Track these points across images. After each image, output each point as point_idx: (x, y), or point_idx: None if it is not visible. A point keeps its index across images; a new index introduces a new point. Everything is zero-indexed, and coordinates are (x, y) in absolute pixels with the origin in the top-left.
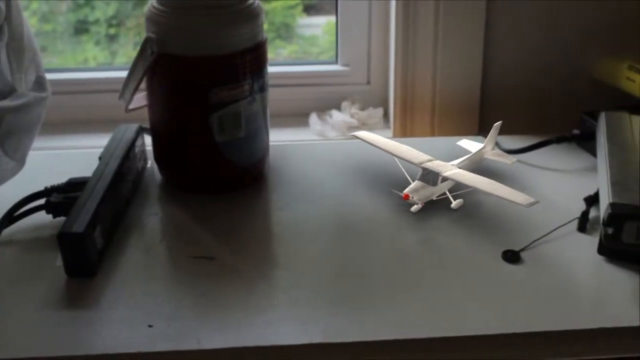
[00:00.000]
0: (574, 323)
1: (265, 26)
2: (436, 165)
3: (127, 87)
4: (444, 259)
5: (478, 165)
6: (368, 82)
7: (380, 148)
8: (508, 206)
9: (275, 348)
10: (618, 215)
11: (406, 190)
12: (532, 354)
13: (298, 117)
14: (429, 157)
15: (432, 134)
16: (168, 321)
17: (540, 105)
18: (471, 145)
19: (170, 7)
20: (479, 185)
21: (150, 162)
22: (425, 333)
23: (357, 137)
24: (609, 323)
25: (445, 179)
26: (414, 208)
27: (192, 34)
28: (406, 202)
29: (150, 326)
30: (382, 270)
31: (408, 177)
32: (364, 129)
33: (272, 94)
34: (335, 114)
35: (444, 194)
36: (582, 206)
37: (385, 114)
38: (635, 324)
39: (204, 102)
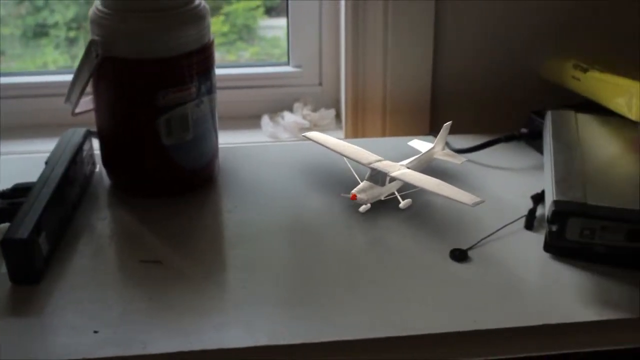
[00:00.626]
0: (521, 320)
1: (226, 28)
2: (384, 165)
3: (73, 90)
4: (393, 258)
5: (428, 165)
6: (320, 84)
7: (330, 148)
8: (456, 206)
9: (221, 351)
10: (562, 213)
11: (354, 191)
12: (479, 351)
13: (250, 119)
14: (378, 158)
15: (384, 135)
16: (114, 327)
17: (490, 104)
18: (421, 145)
19: (114, 10)
20: (426, 185)
21: (99, 167)
22: (371, 334)
23: (307, 138)
24: (555, 320)
25: (393, 179)
26: (362, 208)
27: (136, 37)
28: (355, 202)
29: (95, 332)
30: (331, 272)
31: (357, 177)
32: (316, 130)
33: (224, 96)
34: (287, 115)
35: (393, 194)
36: (530, 204)
37: (338, 115)
38: (580, 319)
39: (150, 105)
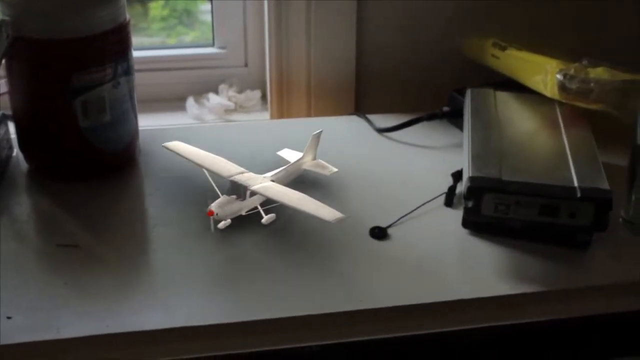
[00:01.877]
0: (437, 296)
1: (166, 12)
2: (246, 178)
3: None
4: (313, 236)
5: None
6: (245, 65)
7: (189, 160)
8: (378, 184)
9: (137, 334)
10: (477, 189)
11: (211, 206)
12: (397, 327)
13: (175, 102)
14: (240, 170)
15: (309, 115)
16: (27, 312)
17: (414, 83)
18: (291, 155)
19: None
20: (286, 200)
21: (16, 151)
22: (292, 312)
23: (168, 149)
24: (471, 294)
25: (254, 193)
26: (221, 225)
27: (48, 16)
28: (214, 218)
29: (8, 318)
30: (251, 252)
31: (217, 190)
32: (242, 112)
33: (149, 78)
34: (212, 97)
35: (255, 208)
36: (450, 182)
37: (264, 96)
38: (495, 294)
39: (65, 87)
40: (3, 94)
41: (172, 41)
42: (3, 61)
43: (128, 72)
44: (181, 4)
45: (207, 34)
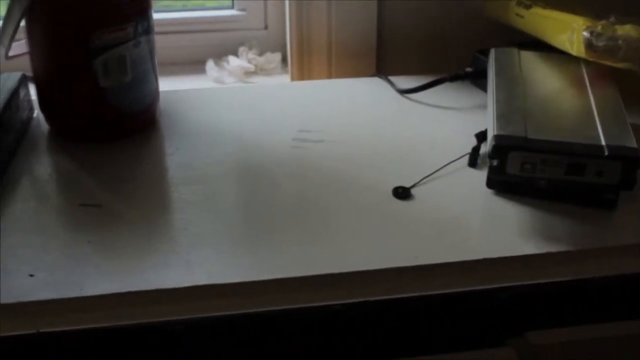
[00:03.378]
0: (462, 255)
1: None
2: None
3: (5, 32)
4: (337, 197)
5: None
6: (265, 27)
7: None
8: (400, 145)
9: (159, 292)
10: (502, 147)
11: None
12: (421, 286)
13: (195, 65)
14: None
15: (330, 77)
16: (50, 270)
17: (435, 45)
18: None
19: None
20: None
21: (37, 112)
22: (313, 271)
23: None
24: (496, 254)
25: None
26: None
27: None
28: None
29: (31, 275)
30: (271, 211)
31: None
32: (262, 74)
33: (168, 41)
34: (232, 59)
35: None
36: (474, 142)
37: (284, 59)
38: (519, 253)
39: (85, 46)
40: (23, 54)
41: (177, 5)
42: (23, 21)
43: (148, 31)
44: None
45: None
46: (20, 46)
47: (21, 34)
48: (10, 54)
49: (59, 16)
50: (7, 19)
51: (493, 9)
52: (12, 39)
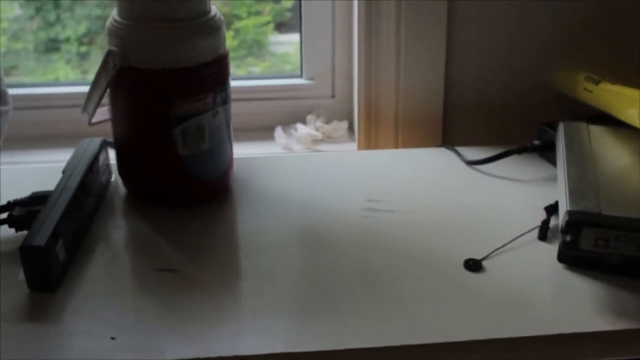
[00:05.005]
0: (535, 329)
1: (236, 42)
2: None
3: (90, 100)
4: (407, 268)
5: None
6: (332, 96)
7: None
8: (470, 216)
9: (238, 358)
10: (576, 223)
11: None
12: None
13: (263, 131)
14: None
15: (397, 146)
16: (131, 333)
17: (502, 116)
18: None
19: (132, 21)
20: None
21: (115, 176)
22: (386, 342)
23: None
24: (569, 329)
25: None
26: None
27: (153, 47)
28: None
29: (112, 338)
30: (345, 280)
31: None
32: (329, 142)
33: (238, 107)
34: (300, 127)
35: None
36: (543, 215)
37: (350, 127)
38: (594, 329)
39: (166, 116)
40: (106, 120)
41: (241, 72)
42: (108, 89)
43: (226, 101)
44: (251, 35)
45: (276, 65)
46: (102, 113)
47: (103, 100)
48: (94, 120)
49: (143, 86)
50: (93, 87)
51: (561, 82)
52: (97, 107)
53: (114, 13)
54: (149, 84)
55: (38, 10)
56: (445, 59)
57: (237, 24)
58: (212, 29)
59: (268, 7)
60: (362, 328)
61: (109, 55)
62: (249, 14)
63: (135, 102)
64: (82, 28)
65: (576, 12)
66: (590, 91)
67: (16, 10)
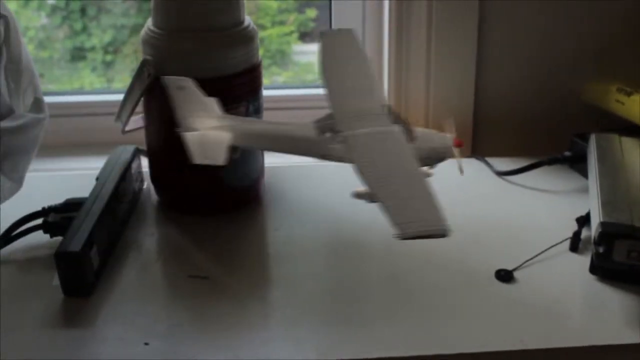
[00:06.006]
0: (567, 341)
1: (260, 52)
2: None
3: (124, 109)
4: (438, 277)
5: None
6: None
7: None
8: (501, 226)
9: None
10: (609, 234)
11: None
12: None
13: None
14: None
15: None
16: (164, 339)
17: (532, 127)
18: None
19: (166, 30)
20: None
21: (147, 184)
22: (418, 351)
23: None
24: (602, 341)
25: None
26: None
27: (187, 57)
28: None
29: (146, 344)
30: (376, 290)
31: None
32: None
33: (268, 117)
34: None
35: None
36: (574, 226)
37: None
38: (625, 341)
39: None
40: (139, 128)
41: (265, 81)
42: (142, 98)
43: (258, 110)
44: (275, 44)
45: (300, 75)
46: (136, 121)
47: (137, 108)
48: (127, 128)
49: None
50: (127, 96)
51: (592, 94)
52: (130, 115)
53: (149, 23)
54: None
55: (64, 19)
56: (476, 69)
57: (262, 34)
58: (245, 38)
59: (292, 17)
60: (393, 337)
61: (143, 64)
62: (273, 24)
63: (169, 111)
64: (107, 37)
65: (608, 22)
66: (622, 103)
67: (43, 19)
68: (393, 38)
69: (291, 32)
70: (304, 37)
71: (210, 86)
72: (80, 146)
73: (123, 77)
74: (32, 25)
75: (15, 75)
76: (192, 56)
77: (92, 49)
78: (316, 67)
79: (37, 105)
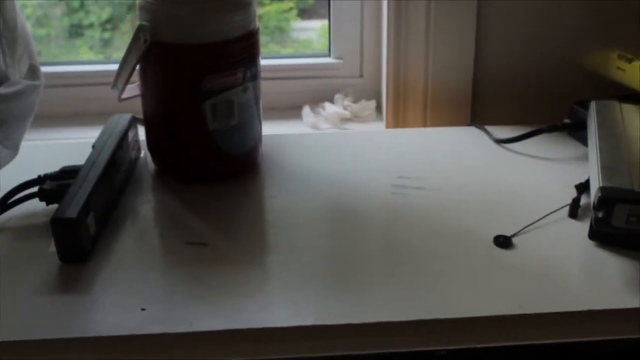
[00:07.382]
0: (565, 305)
1: (260, 28)
2: None
3: (120, 75)
4: (436, 243)
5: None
6: (361, 75)
7: None
8: (500, 192)
9: (267, 330)
10: (608, 199)
11: None
12: (523, 335)
13: (291, 110)
14: None
15: (425, 125)
16: (161, 305)
17: (532, 95)
18: None
19: None
20: None
21: (144, 152)
22: (416, 315)
23: None
24: (600, 306)
25: None
26: None
27: (184, 22)
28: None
29: (143, 309)
30: (374, 255)
31: None
32: (357, 121)
33: (266, 87)
34: (328, 106)
35: None
36: (573, 193)
37: (378, 106)
38: (623, 306)
39: (196, 90)
40: (135, 96)
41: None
42: (138, 65)
43: (255, 77)
44: (273, 21)
45: (299, 51)
46: (132, 89)
47: (133, 77)
48: (123, 96)
49: (174, 61)
50: (123, 64)
51: (593, 61)
52: (127, 82)
53: None
54: (179, 59)
55: None
56: (476, 37)
57: (260, 10)
58: (242, 4)
59: None
60: (391, 302)
61: (139, 30)
62: (272, 0)
63: (166, 77)
64: (105, 14)
65: None
66: (623, 70)
67: None
68: (391, 5)
69: (290, 9)
70: (303, 13)
71: (206, 52)
72: (76, 116)
73: (120, 55)
74: (30, 2)
75: (11, 42)
76: (188, 21)
77: (90, 26)
78: (315, 44)
79: (33, 71)
